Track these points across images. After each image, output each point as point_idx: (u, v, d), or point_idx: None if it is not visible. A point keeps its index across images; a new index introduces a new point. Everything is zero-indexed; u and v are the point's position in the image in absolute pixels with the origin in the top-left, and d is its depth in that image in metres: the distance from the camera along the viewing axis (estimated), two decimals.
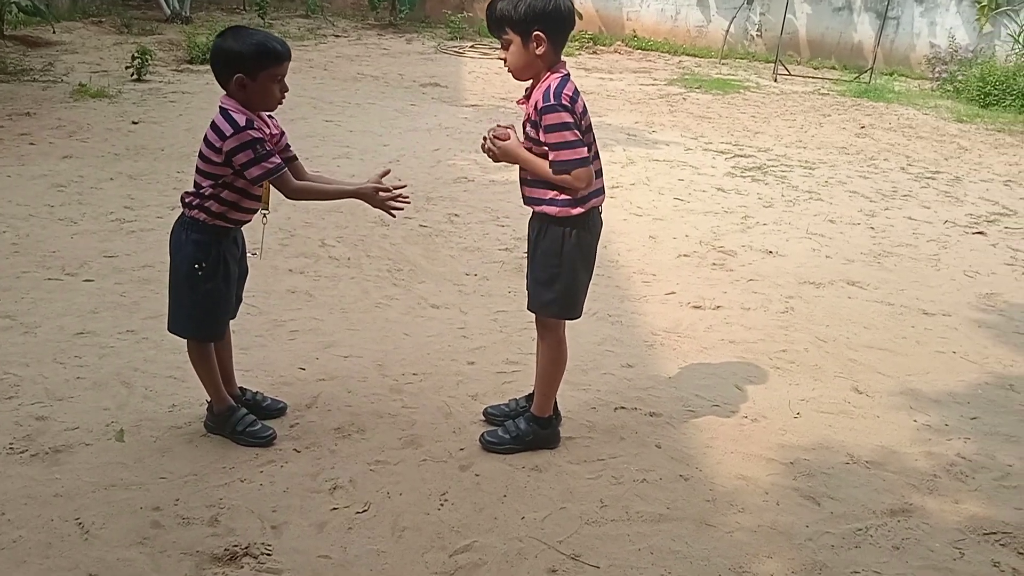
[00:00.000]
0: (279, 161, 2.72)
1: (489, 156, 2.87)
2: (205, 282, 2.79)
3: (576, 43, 12.71)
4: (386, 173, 2.88)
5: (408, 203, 2.89)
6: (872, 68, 11.83)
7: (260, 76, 2.67)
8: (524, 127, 2.82)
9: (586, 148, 2.72)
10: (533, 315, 3.05)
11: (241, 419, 2.98)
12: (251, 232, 2.98)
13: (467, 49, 12.10)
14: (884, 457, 3.20)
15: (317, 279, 4.40)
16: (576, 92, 2.72)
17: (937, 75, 11.72)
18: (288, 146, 2.90)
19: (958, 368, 3.97)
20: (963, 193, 6.85)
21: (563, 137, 2.68)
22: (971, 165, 7.78)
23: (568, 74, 2.75)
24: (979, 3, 12.00)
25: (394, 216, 2.90)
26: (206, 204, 2.74)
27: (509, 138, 2.83)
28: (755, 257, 5.18)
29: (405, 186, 2.92)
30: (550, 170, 2.74)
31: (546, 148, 2.73)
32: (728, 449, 3.18)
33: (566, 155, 2.69)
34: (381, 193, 2.80)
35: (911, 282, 4.95)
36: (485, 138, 2.87)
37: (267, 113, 2.82)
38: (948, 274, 5.13)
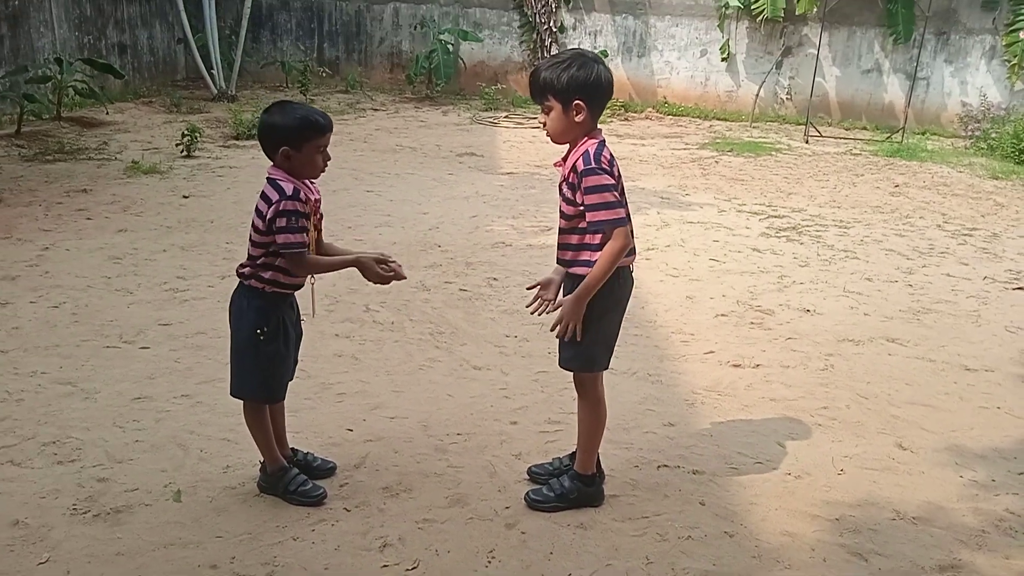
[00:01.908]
0: (304, 240, 2.84)
1: (567, 330, 2.89)
2: (267, 345, 2.92)
3: (608, 110, 12.96)
4: (390, 260, 2.97)
5: (399, 271, 2.96)
6: (904, 128, 11.90)
7: (305, 148, 2.83)
8: (560, 188, 2.94)
9: (623, 209, 2.83)
10: (571, 374, 3.13)
11: (293, 479, 3.07)
12: (300, 297, 3.12)
13: (501, 119, 12.42)
14: (931, 513, 3.19)
15: (363, 343, 4.52)
16: (612, 157, 2.85)
17: (970, 133, 11.75)
18: (321, 216, 3.04)
19: (1003, 424, 3.94)
20: (1001, 249, 6.84)
21: (603, 198, 2.79)
22: (1008, 221, 7.77)
23: (604, 140, 2.89)
24: (1009, 62, 12.08)
25: (387, 283, 2.98)
26: (262, 273, 2.89)
27: (559, 304, 2.89)
28: (793, 316, 5.21)
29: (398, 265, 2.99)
30: (598, 264, 2.84)
31: (582, 208, 2.84)
32: (772, 506, 3.19)
33: (604, 215, 2.79)
34: (380, 266, 2.91)
35: (952, 338, 4.94)
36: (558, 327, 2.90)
37: (310, 180, 2.97)
38: (989, 330, 5.11)
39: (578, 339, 2.91)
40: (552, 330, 2.95)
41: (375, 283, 2.98)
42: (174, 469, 3.25)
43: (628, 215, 2.96)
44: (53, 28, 10.83)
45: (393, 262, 2.97)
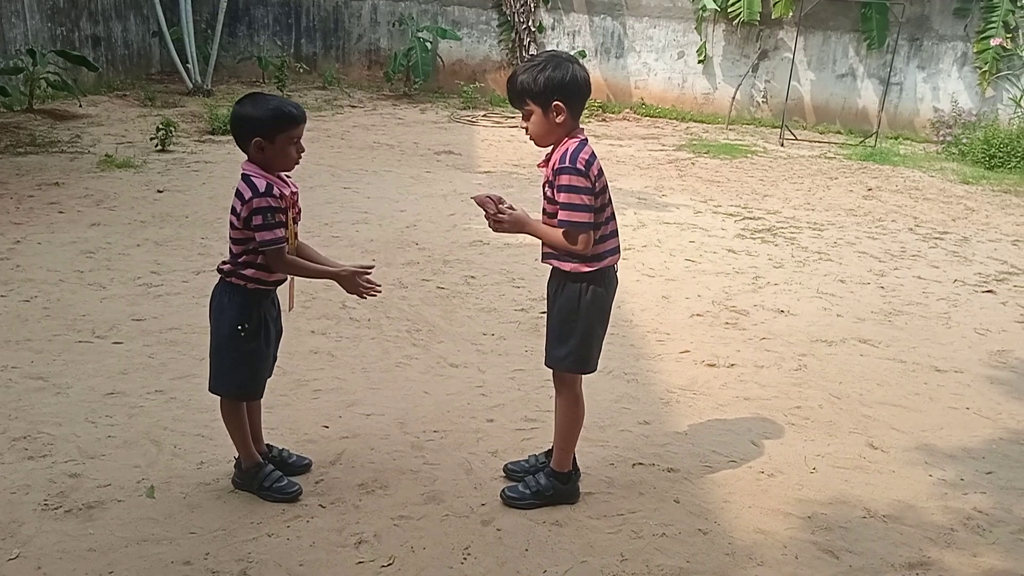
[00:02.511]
0: (283, 235, 2.83)
1: (496, 226, 2.93)
2: (248, 342, 2.90)
3: (585, 111, 12.98)
4: (371, 267, 2.97)
5: (380, 291, 2.95)
6: (877, 132, 12.06)
7: (277, 139, 2.81)
8: (544, 189, 2.96)
9: (591, 214, 2.84)
10: (550, 372, 3.14)
11: (268, 475, 3.06)
12: (280, 293, 3.10)
13: (479, 118, 12.42)
14: (901, 511, 3.24)
15: (339, 340, 4.50)
16: (593, 156, 2.86)
17: (941, 138, 11.93)
18: (299, 210, 3.02)
19: (972, 424, 4.01)
20: (971, 253, 6.95)
21: (571, 199, 2.81)
22: (978, 225, 7.89)
23: (586, 139, 2.90)
24: (980, 68, 12.28)
25: (364, 298, 2.97)
26: (243, 271, 2.87)
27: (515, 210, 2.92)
28: (767, 316, 5.26)
29: (379, 286, 2.97)
30: (558, 231, 2.88)
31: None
32: (746, 504, 3.23)
33: (568, 216, 2.83)
34: (358, 278, 2.89)
35: (922, 340, 5.02)
36: (493, 212, 2.92)
37: (285, 173, 2.96)
38: (959, 332, 5.19)
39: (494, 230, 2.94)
40: (492, 215, 2.92)
41: (352, 294, 2.96)
42: (147, 465, 3.22)
43: (613, 213, 2.98)
44: (25, 19, 10.67)
45: (370, 275, 2.95)
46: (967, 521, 3.19)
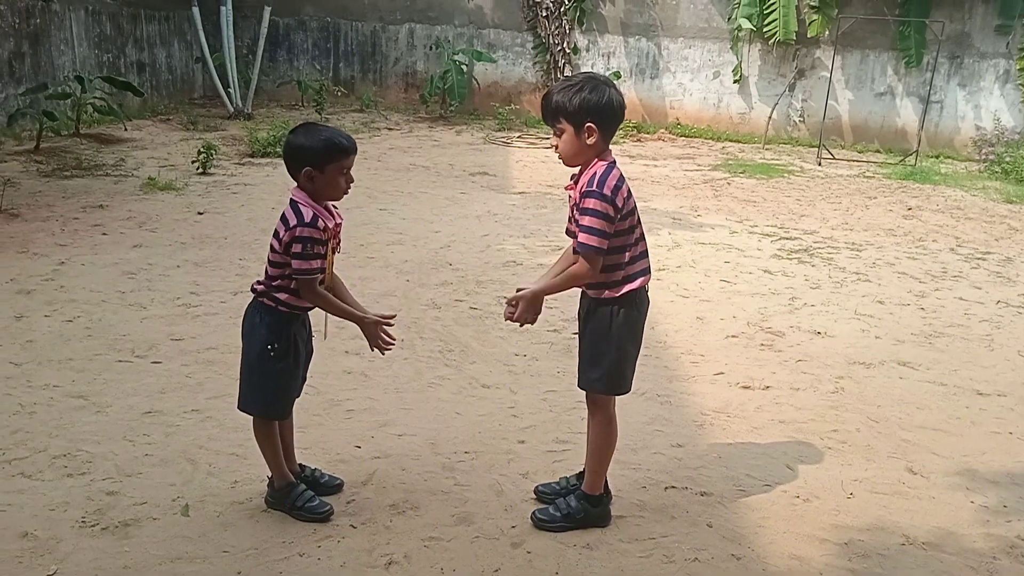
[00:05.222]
0: (319, 267, 2.87)
1: (518, 320, 2.97)
2: (276, 362, 2.94)
3: (620, 131, 13.01)
4: (392, 317, 3.04)
5: (393, 344, 3.02)
6: (917, 151, 11.89)
7: (327, 169, 2.86)
8: (572, 211, 2.96)
9: (607, 241, 2.84)
10: (582, 394, 3.13)
11: (300, 495, 3.08)
12: (314, 314, 3.14)
13: (514, 139, 12.49)
14: (941, 538, 3.16)
15: (372, 360, 4.52)
16: (621, 179, 2.86)
17: (984, 157, 11.74)
18: (339, 241, 3.06)
19: (1015, 449, 3.91)
20: (1015, 273, 6.81)
21: (592, 223, 2.81)
22: (1022, 245, 7.73)
23: (614, 162, 2.90)
24: (1023, 86, 12.08)
25: (380, 353, 3.04)
26: (276, 294, 2.91)
27: (518, 302, 2.94)
28: (803, 338, 5.19)
29: (394, 341, 3.04)
30: (568, 272, 2.92)
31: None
32: (780, 529, 3.17)
33: (587, 239, 2.82)
34: (379, 328, 2.97)
35: (964, 362, 4.91)
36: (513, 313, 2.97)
37: (332, 204, 3.00)
38: (1002, 354, 5.08)
39: (520, 326, 2.98)
40: (506, 312, 3.00)
41: (371, 344, 3.02)
42: (183, 483, 3.26)
43: (643, 234, 2.98)
44: (73, 46, 10.99)
45: (391, 326, 3.02)
46: (1011, 549, 3.11)
